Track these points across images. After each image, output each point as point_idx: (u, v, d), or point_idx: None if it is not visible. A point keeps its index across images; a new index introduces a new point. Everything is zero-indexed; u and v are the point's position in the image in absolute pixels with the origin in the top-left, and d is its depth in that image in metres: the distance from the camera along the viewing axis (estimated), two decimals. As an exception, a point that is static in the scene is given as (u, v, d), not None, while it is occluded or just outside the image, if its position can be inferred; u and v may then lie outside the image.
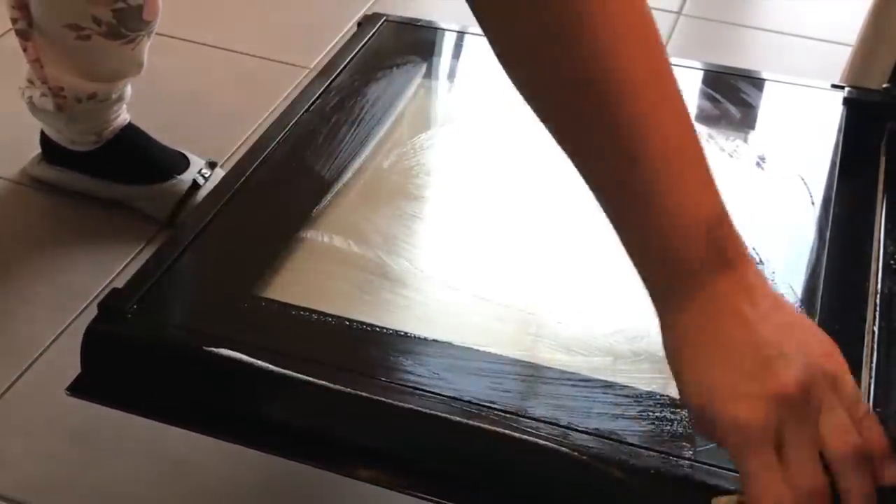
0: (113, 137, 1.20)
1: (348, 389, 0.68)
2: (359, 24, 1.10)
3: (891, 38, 1.15)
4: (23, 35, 1.11)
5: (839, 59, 1.28)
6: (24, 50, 1.13)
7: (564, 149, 0.58)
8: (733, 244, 0.56)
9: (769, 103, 1.02)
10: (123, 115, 1.20)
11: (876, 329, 0.74)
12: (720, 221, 0.56)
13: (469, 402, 0.67)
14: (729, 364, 0.54)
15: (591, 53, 0.54)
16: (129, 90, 1.19)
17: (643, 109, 0.55)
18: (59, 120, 1.17)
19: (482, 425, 0.66)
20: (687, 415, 0.58)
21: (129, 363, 0.73)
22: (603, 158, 0.56)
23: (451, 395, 0.67)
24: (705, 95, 1.02)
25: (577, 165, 0.57)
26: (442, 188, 0.91)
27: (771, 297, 0.56)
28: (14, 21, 1.11)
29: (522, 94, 0.58)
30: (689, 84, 1.05)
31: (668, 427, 0.66)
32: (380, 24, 1.08)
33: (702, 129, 0.97)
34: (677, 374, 0.56)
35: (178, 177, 1.20)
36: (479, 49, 1.08)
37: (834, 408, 0.53)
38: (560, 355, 0.73)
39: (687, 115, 0.57)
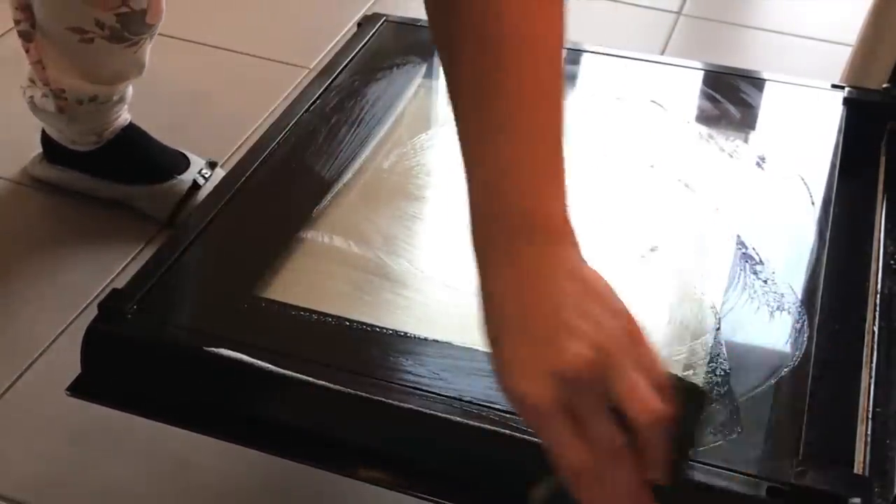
0: (114, 137, 1.20)
1: (348, 389, 0.68)
2: (359, 25, 1.10)
3: (891, 38, 1.15)
4: (25, 36, 1.11)
5: (839, 59, 1.28)
6: (27, 51, 1.12)
7: (442, 59, 0.61)
8: (566, 220, 0.56)
9: (769, 103, 1.02)
10: (124, 116, 1.20)
11: (876, 329, 0.74)
12: (559, 196, 0.56)
13: (469, 402, 0.67)
14: (524, 335, 0.54)
15: None
16: (130, 91, 1.19)
17: (525, 54, 0.57)
18: (59, 120, 1.17)
19: (482, 425, 0.66)
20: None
21: (129, 363, 0.73)
22: (474, 81, 0.57)
23: (451, 395, 0.67)
24: (705, 95, 1.02)
25: (448, 80, 0.60)
26: (442, 188, 0.91)
27: (593, 275, 0.55)
28: (17, 22, 1.11)
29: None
30: (689, 84, 1.05)
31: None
32: (380, 24, 1.08)
33: (702, 129, 0.97)
34: (485, 334, 0.56)
35: (179, 177, 1.20)
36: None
37: (629, 375, 0.52)
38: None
39: (561, 94, 0.58)
